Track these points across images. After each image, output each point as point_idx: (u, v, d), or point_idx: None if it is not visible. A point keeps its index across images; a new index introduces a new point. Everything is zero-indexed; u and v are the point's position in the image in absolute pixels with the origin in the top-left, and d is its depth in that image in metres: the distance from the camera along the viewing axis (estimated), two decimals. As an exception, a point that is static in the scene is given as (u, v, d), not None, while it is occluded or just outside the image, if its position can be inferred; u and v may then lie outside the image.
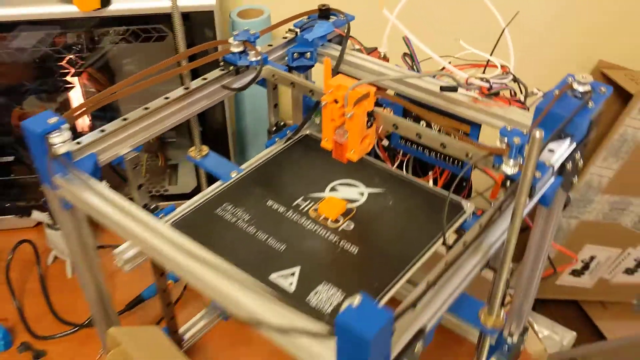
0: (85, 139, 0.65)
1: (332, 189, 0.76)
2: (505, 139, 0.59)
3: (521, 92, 0.78)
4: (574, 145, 0.65)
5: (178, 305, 1.02)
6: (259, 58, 0.77)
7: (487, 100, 0.72)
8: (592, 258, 1.75)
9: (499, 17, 0.78)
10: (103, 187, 0.60)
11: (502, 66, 0.79)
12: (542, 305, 1.98)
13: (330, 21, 0.86)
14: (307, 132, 0.87)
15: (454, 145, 0.64)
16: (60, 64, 1.02)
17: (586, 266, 1.77)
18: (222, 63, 0.78)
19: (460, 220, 0.72)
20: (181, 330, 0.94)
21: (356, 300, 0.42)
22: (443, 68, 0.76)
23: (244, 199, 0.74)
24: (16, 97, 1.09)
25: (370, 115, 0.70)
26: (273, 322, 0.46)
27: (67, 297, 1.04)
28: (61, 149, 0.60)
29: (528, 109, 0.75)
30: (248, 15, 1.13)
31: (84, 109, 0.62)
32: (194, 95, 0.74)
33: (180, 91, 0.73)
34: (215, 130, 1.05)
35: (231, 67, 0.77)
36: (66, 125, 0.61)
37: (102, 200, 0.59)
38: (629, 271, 1.86)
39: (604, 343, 1.76)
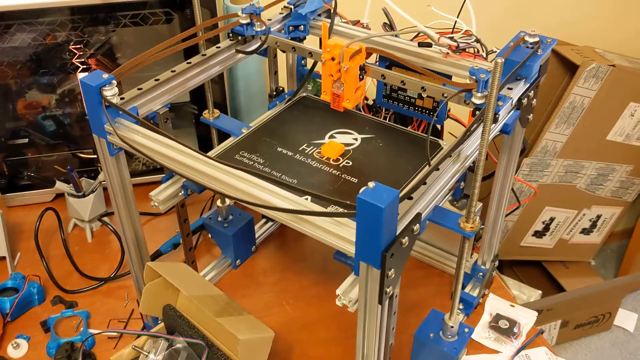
0: (127, 95, 0.78)
1: (331, 137, 0.90)
2: (474, 77, 0.75)
3: (483, 51, 0.94)
4: (527, 85, 0.81)
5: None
6: (264, 28, 0.91)
7: (456, 56, 0.87)
8: (551, 219, 1.92)
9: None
10: (148, 130, 0.73)
11: (465, 31, 0.94)
12: (509, 268, 2.16)
13: (321, -3, 1.01)
14: (304, 94, 1.01)
15: (433, 88, 0.79)
16: (72, 47, 1.14)
17: (547, 227, 1.95)
18: (230, 35, 0.91)
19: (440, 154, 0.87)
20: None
21: (371, 184, 0.56)
22: (418, 34, 0.92)
23: (257, 147, 0.88)
24: (26, 85, 1.19)
25: (362, 68, 0.84)
26: (314, 208, 0.60)
27: (88, 259, 1.16)
28: (113, 100, 0.73)
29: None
30: (239, 0, 1.27)
31: (130, 67, 0.75)
32: (210, 60, 0.88)
33: (198, 57, 0.87)
34: (217, 105, 1.19)
35: (239, 37, 0.91)
36: (114, 82, 0.73)
37: (149, 140, 0.72)
38: (585, 231, 2.05)
39: (565, 294, 1.94)
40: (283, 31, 0.99)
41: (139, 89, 0.79)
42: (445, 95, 0.78)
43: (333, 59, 0.82)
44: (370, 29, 1.01)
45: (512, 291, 2.10)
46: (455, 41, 0.90)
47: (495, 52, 0.94)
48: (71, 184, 1.15)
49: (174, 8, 1.09)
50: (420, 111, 0.97)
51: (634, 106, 1.70)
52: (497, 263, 1.06)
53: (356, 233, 0.58)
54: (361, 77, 0.84)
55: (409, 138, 0.90)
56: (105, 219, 1.22)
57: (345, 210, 0.58)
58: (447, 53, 0.87)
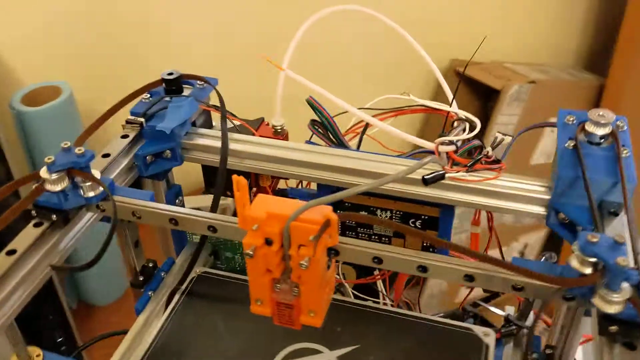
0: None
1: (281, 369, 0.47)
2: (592, 257, 0.36)
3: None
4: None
5: None
6: (101, 189, 0.45)
7: (471, 178, 0.48)
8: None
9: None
10: None
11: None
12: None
13: (186, 95, 0.56)
14: (197, 270, 0.56)
15: (493, 276, 0.39)
16: None
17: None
18: (34, 213, 0.44)
19: (489, 361, 0.47)
20: None
21: None
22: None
23: None
24: None
25: (331, 251, 0.42)
26: None
27: None
28: None
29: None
30: (38, 99, 0.77)
31: None
32: None
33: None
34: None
35: (53, 215, 0.44)
36: None
37: None
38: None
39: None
40: (136, 165, 0.53)
41: None
42: (520, 288, 0.39)
43: (268, 242, 0.39)
44: (287, 134, 0.58)
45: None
46: (452, 142, 0.51)
47: (501, 140, 0.56)
48: None
49: None
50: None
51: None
52: None
53: None
54: (329, 263, 0.42)
55: (416, 332, 0.50)
56: None
57: None
58: (460, 177, 0.48)
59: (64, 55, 1.01)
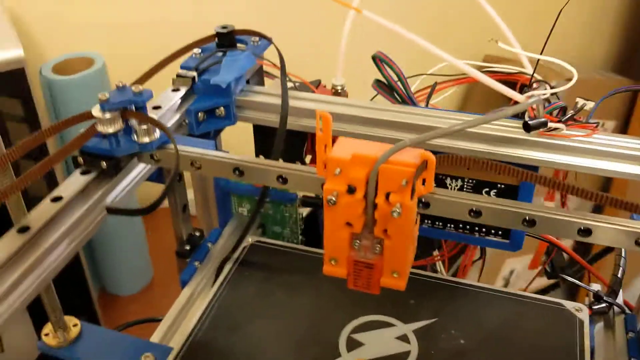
0: None
1: (351, 346, 0.41)
2: None
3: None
4: None
5: None
6: (157, 135, 0.40)
7: (561, 133, 0.43)
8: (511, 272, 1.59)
9: None
10: None
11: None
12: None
13: (244, 50, 0.52)
14: (249, 239, 0.51)
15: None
16: None
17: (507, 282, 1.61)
18: (80, 158, 0.40)
19: (586, 338, 0.42)
20: None
21: None
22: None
23: None
24: None
25: (419, 201, 0.37)
26: None
27: None
28: None
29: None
30: (69, 68, 0.73)
31: None
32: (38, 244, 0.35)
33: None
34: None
35: (103, 162, 0.39)
36: None
37: None
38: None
39: None
40: (187, 122, 0.48)
41: None
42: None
43: (351, 189, 0.34)
44: (347, 95, 0.54)
45: None
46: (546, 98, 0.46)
47: (584, 105, 0.52)
48: None
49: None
50: (467, 230, 0.51)
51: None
52: None
53: None
54: (417, 218, 0.37)
55: (502, 307, 0.44)
56: None
57: None
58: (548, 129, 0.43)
59: (97, 26, 0.98)
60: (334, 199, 0.34)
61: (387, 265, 0.37)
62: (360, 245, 0.37)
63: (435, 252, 0.59)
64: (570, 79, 1.38)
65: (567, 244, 0.57)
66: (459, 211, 0.36)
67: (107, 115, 0.38)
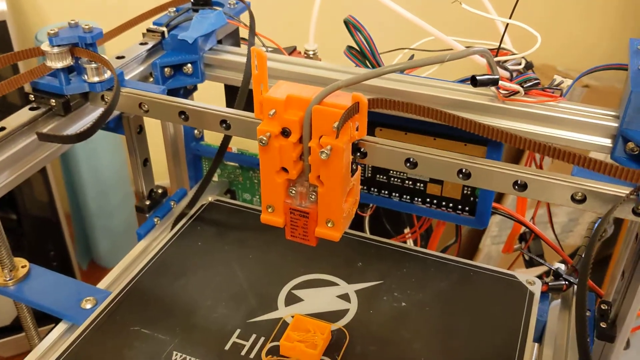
0: None
1: (290, 300, 0.41)
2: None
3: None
4: None
5: None
6: (107, 76, 0.40)
7: (522, 98, 0.42)
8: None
9: None
10: None
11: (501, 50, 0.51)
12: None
13: (217, 10, 0.52)
14: (209, 198, 0.50)
15: (549, 183, 0.33)
16: None
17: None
18: (32, 95, 0.40)
19: (534, 308, 0.40)
20: None
21: None
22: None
23: (127, 343, 0.36)
24: None
25: (357, 149, 0.36)
26: None
27: None
28: None
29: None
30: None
31: None
32: None
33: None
34: (35, 221, 0.64)
35: (52, 100, 0.40)
36: None
37: None
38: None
39: None
40: (151, 79, 0.49)
41: None
42: (578, 195, 0.32)
43: (286, 132, 0.34)
44: (319, 59, 0.53)
45: None
46: (506, 68, 0.45)
47: (561, 82, 0.51)
48: None
49: None
50: (434, 205, 0.50)
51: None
52: None
53: None
54: (354, 167, 0.36)
55: (447, 273, 0.43)
56: None
57: None
58: (505, 94, 0.41)
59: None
60: (265, 139, 0.34)
61: (321, 214, 0.36)
62: (296, 193, 0.36)
63: (407, 230, 0.58)
64: (586, 86, 1.33)
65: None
66: (396, 160, 0.35)
67: (55, 50, 0.38)
